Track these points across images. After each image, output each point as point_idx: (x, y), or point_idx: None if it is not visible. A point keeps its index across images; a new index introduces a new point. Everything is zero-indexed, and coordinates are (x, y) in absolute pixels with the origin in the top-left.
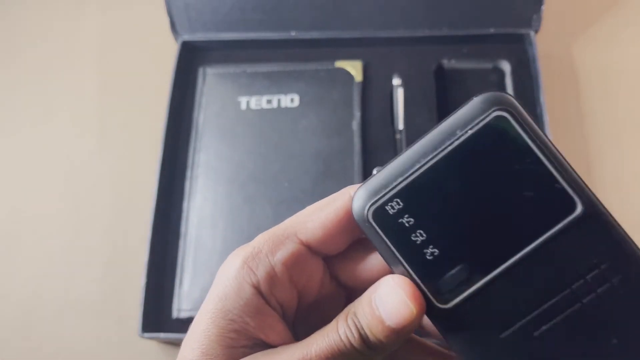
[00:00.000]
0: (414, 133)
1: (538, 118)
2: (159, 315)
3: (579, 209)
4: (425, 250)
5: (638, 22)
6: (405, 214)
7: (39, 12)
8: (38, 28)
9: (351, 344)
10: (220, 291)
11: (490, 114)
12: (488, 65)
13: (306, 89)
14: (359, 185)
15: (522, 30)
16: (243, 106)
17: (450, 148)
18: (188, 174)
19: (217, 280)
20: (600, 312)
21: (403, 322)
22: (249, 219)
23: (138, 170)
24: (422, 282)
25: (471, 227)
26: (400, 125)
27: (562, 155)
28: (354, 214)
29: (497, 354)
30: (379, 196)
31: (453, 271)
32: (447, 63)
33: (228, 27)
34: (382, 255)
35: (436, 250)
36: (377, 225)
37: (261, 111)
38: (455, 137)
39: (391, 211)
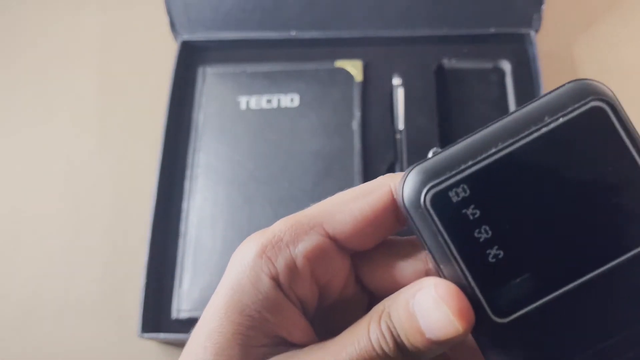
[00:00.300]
0: (414, 133)
1: None
2: (159, 315)
3: None
4: (488, 251)
5: (638, 21)
6: (472, 204)
7: (39, 12)
8: (38, 28)
9: (384, 352)
10: (235, 283)
11: (587, 102)
12: (488, 65)
13: (306, 88)
14: (408, 170)
15: (523, 30)
16: (243, 106)
17: (535, 134)
18: (188, 173)
19: (230, 269)
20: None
21: (446, 337)
22: (249, 219)
23: (138, 170)
24: (477, 287)
25: (547, 231)
26: (401, 125)
27: None
28: (404, 197)
29: None
30: (441, 179)
31: (518, 279)
32: (447, 63)
33: (228, 26)
34: (430, 251)
35: (501, 252)
36: (435, 212)
37: (261, 111)
38: (543, 123)
39: (455, 198)
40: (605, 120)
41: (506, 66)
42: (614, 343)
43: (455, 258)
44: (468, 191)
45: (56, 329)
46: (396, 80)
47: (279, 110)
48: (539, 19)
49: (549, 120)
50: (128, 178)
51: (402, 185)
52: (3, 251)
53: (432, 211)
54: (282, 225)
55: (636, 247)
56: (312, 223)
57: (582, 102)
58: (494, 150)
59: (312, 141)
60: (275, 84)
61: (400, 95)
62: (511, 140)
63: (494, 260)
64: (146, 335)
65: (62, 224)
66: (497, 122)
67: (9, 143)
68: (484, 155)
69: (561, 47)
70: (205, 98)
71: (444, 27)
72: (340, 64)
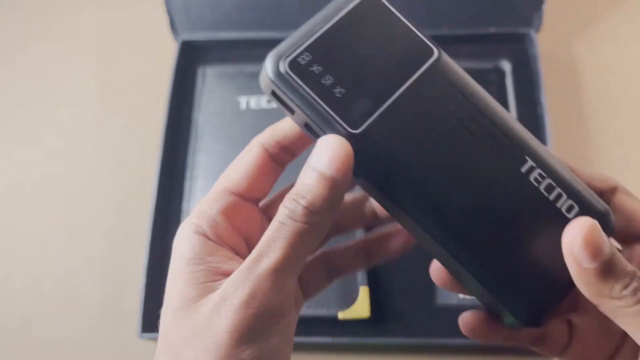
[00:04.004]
0: None
1: (539, 118)
2: (159, 315)
3: (436, 53)
4: (334, 90)
5: (638, 21)
6: (315, 64)
7: (39, 11)
8: (38, 27)
9: (294, 219)
10: (178, 251)
11: None
12: (488, 65)
13: None
14: (267, 57)
15: (523, 30)
16: (243, 106)
17: (338, 18)
18: (188, 174)
19: (173, 246)
20: (467, 123)
21: (342, 162)
22: None
23: (138, 170)
24: (336, 114)
25: (364, 68)
26: None
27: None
28: (269, 74)
29: (401, 163)
30: (290, 52)
31: (356, 104)
32: None
33: (228, 26)
34: (298, 105)
35: (342, 89)
36: (293, 73)
37: (261, 111)
38: (341, 9)
39: (303, 62)
40: (378, 3)
41: (506, 66)
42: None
43: (315, 101)
44: (310, 56)
45: (56, 329)
46: None
47: (279, 110)
48: (540, 18)
49: (343, 8)
50: (128, 178)
51: (265, 68)
52: (3, 251)
53: (291, 73)
54: (200, 202)
55: (420, 67)
56: (219, 190)
57: None
58: (318, 29)
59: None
60: None
61: None
62: (322, 26)
63: (339, 95)
64: (146, 335)
65: (62, 224)
66: (312, 17)
67: (9, 143)
68: (313, 33)
69: (561, 47)
70: (205, 98)
71: (444, 28)
72: None
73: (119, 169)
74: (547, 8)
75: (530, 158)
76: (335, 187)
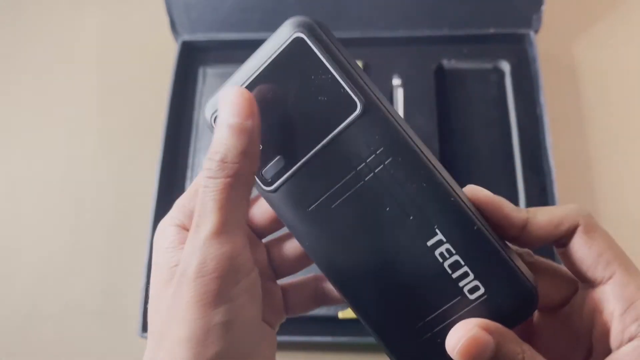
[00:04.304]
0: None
1: (538, 118)
2: None
3: (359, 107)
4: None
5: (638, 22)
6: None
7: (40, 12)
8: (38, 28)
9: (215, 177)
10: (156, 245)
11: (291, 36)
12: (488, 65)
13: None
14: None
15: (522, 30)
16: None
17: (263, 67)
18: (188, 174)
19: (153, 241)
20: (377, 187)
21: (241, 106)
22: None
23: (138, 171)
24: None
25: (283, 126)
26: None
27: (351, 64)
28: (206, 124)
29: (305, 223)
30: (215, 108)
31: (272, 162)
32: (447, 63)
33: (228, 27)
34: None
35: (260, 146)
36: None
37: None
38: (267, 57)
39: None
40: (305, 46)
41: (506, 66)
42: (335, 190)
43: None
44: None
45: (57, 329)
46: (396, 81)
47: None
48: (539, 19)
49: (271, 54)
50: (129, 178)
51: (204, 115)
52: (4, 252)
53: (214, 126)
54: (180, 196)
55: (339, 124)
56: (196, 187)
57: (289, 35)
58: (243, 82)
59: None
60: None
61: (400, 95)
62: (251, 74)
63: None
64: (146, 335)
65: (63, 224)
66: (243, 64)
67: (9, 143)
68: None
69: (561, 47)
70: (206, 98)
71: (444, 28)
72: None
73: (120, 169)
74: (547, 9)
75: (442, 230)
76: (243, 132)
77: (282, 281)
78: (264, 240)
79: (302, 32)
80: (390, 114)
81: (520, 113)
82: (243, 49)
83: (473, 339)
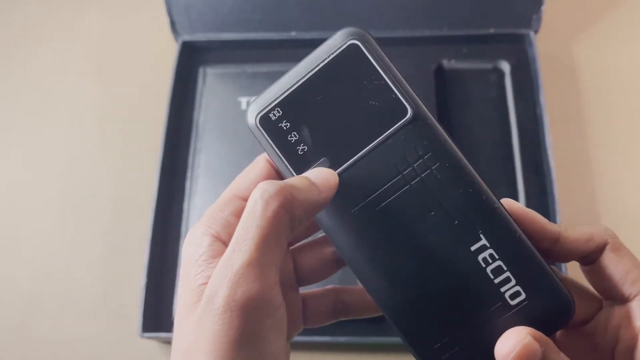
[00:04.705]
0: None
1: (538, 118)
2: (159, 315)
3: (410, 113)
4: (297, 147)
5: (638, 21)
6: (284, 120)
7: (40, 12)
8: (39, 28)
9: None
10: (185, 254)
11: (346, 42)
12: (488, 65)
13: None
14: (247, 106)
15: (522, 31)
16: (243, 106)
17: (316, 70)
18: (188, 174)
19: (182, 250)
20: (422, 191)
21: (330, 185)
22: None
23: (138, 171)
24: (295, 172)
25: (331, 127)
26: None
27: (399, 73)
28: (247, 123)
29: (349, 224)
30: (263, 107)
31: (318, 162)
32: (447, 63)
33: (228, 27)
34: (268, 155)
35: (305, 147)
36: (264, 129)
37: None
38: (321, 61)
39: (273, 118)
40: (359, 51)
41: (505, 67)
42: (381, 192)
43: (278, 155)
44: (281, 112)
45: (56, 329)
46: None
47: None
48: (539, 19)
49: (324, 58)
50: (128, 178)
51: (245, 118)
52: (3, 251)
53: (261, 128)
54: (210, 207)
55: (388, 128)
56: (229, 195)
57: (344, 42)
58: (292, 84)
59: None
60: None
61: None
62: (302, 77)
63: (302, 153)
64: (146, 335)
65: (63, 224)
66: (296, 65)
67: (9, 143)
68: (286, 89)
69: (561, 47)
70: (206, 98)
71: (444, 28)
72: None
73: (120, 169)
74: (546, 9)
75: (486, 236)
76: (322, 193)
77: (302, 290)
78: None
79: (357, 39)
80: (437, 121)
81: (520, 113)
82: (243, 49)
83: (526, 347)
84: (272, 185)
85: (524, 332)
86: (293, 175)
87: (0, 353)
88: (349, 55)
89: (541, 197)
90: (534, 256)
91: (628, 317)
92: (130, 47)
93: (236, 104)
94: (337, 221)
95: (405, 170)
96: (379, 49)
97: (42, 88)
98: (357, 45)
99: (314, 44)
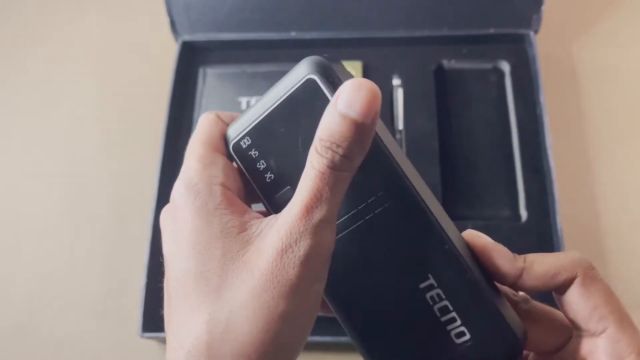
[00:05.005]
0: (413, 133)
1: (538, 118)
2: (159, 315)
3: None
4: (265, 175)
5: (637, 22)
6: (252, 148)
7: (40, 12)
8: (39, 29)
9: (334, 169)
10: (199, 205)
11: (305, 76)
12: (488, 65)
13: None
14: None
15: (522, 31)
16: (243, 106)
17: (279, 102)
18: None
19: (184, 201)
20: (376, 227)
21: (373, 107)
22: None
23: (138, 170)
24: (263, 197)
25: (294, 158)
26: (400, 125)
27: None
28: (228, 148)
29: None
30: (236, 135)
31: (283, 190)
32: (447, 63)
33: (228, 27)
34: (247, 177)
35: (272, 175)
36: (237, 156)
37: None
38: (283, 94)
39: (244, 146)
40: (316, 87)
41: (505, 67)
42: (342, 222)
43: (250, 181)
44: (250, 140)
45: (57, 329)
46: (396, 81)
47: None
48: (539, 19)
49: (285, 92)
50: (129, 178)
51: (225, 144)
52: (4, 251)
53: (234, 155)
54: (192, 160)
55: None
56: (209, 150)
57: (303, 76)
58: (257, 116)
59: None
60: None
61: (399, 95)
62: (265, 109)
63: (269, 180)
64: (146, 335)
65: (63, 224)
66: (264, 96)
67: (9, 143)
68: (253, 120)
69: (560, 47)
70: (206, 98)
71: (444, 28)
72: None
73: (120, 169)
74: (546, 9)
75: (434, 275)
76: (367, 134)
77: None
78: None
79: (315, 73)
80: (394, 157)
81: (520, 113)
82: (243, 49)
83: None
84: (336, 157)
85: None
86: (263, 200)
87: (1, 353)
88: (307, 89)
89: (541, 197)
90: (482, 297)
91: (592, 354)
92: (130, 47)
93: (236, 104)
94: None
95: (360, 205)
96: (337, 81)
97: (42, 88)
98: (313, 80)
99: (314, 44)
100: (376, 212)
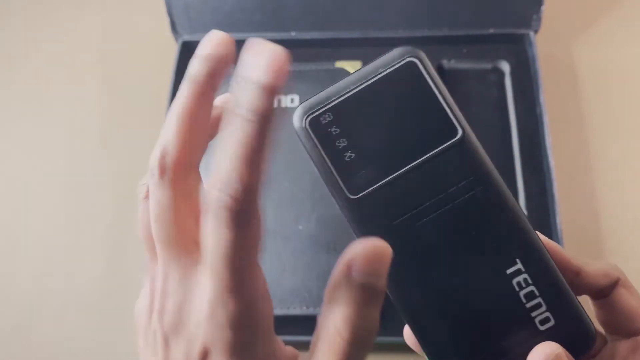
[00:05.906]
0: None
1: (538, 118)
2: None
3: (460, 134)
4: (345, 154)
5: (637, 22)
6: (334, 125)
7: (41, 13)
8: (40, 28)
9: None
10: None
11: (404, 59)
12: (488, 65)
13: (306, 89)
14: (296, 108)
15: (522, 31)
16: None
17: (370, 81)
18: None
19: None
20: (463, 212)
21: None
22: None
23: (138, 170)
24: (339, 177)
25: (379, 138)
26: None
27: (450, 96)
28: (294, 124)
29: (387, 235)
30: (313, 110)
31: (363, 171)
32: (447, 63)
33: (228, 27)
34: (312, 159)
35: (353, 154)
36: (312, 131)
37: None
38: (376, 74)
39: (323, 121)
40: (416, 69)
41: (505, 67)
42: (424, 207)
43: (324, 159)
44: (331, 117)
45: (56, 329)
46: None
47: (279, 110)
48: (539, 19)
49: (381, 71)
50: (129, 178)
51: (293, 118)
52: (4, 251)
53: (309, 130)
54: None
55: (438, 146)
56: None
57: (402, 58)
58: (345, 91)
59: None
60: None
61: None
62: (357, 85)
63: (349, 159)
64: None
65: (63, 223)
66: (349, 75)
67: (9, 142)
68: (339, 95)
69: (560, 47)
70: None
71: (444, 28)
72: (340, 64)
73: (120, 169)
74: (546, 9)
75: (522, 260)
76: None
77: None
78: None
79: (415, 57)
80: (481, 147)
81: (520, 113)
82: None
83: (559, 357)
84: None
85: (555, 345)
86: (337, 180)
87: (1, 353)
88: (406, 71)
89: (541, 197)
90: (564, 285)
91: (635, 350)
92: (130, 47)
93: None
94: (377, 231)
95: (450, 189)
96: (434, 71)
97: (42, 88)
98: (415, 63)
99: (314, 44)
100: (466, 196)
